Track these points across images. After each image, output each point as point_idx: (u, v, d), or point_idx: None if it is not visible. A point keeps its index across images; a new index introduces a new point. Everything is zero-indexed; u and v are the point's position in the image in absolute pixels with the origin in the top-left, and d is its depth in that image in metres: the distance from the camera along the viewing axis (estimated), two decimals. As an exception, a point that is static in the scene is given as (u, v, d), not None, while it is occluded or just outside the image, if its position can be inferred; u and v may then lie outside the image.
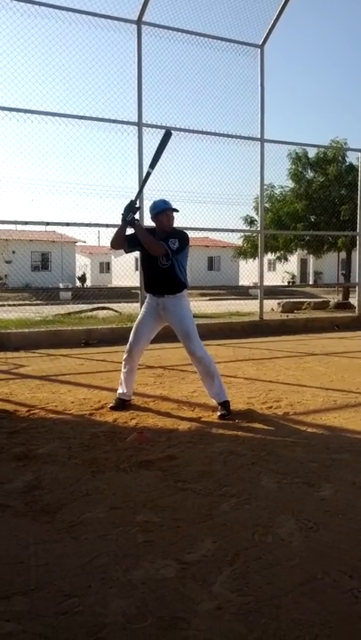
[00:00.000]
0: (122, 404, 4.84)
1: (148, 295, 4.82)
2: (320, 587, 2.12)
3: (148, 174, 4.70)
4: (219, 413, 4.60)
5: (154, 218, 4.69)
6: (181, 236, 4.66)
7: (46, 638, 1.83)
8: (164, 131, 4.81)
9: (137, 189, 9.44)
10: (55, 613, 1.95)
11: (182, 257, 4.67)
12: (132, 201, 4.57)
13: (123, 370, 4.88)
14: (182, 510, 2.81)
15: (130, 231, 4.63)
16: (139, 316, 4.90)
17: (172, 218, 4.70)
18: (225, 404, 4.65)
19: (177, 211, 4.71)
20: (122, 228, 4.62)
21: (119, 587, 2.12)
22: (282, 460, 3.57)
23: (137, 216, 4.58)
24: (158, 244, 4.53)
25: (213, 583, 2.14)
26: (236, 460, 3.55)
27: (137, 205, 4.59)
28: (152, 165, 4.71)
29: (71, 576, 2.19)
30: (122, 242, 4.67)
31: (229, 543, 2.46)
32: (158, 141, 4.75)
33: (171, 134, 4.74)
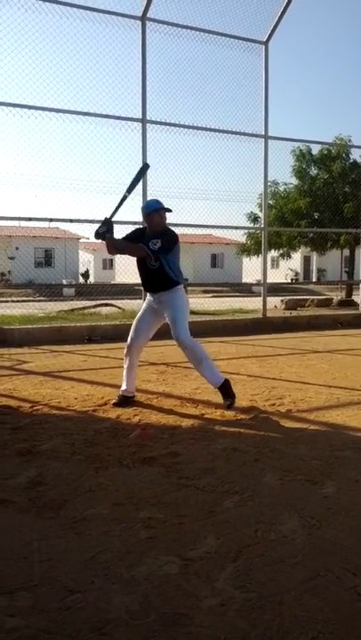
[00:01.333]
0: (125, 401, 4.85)
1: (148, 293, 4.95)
2: (323, 584, 2.12)
3: (125, 198, 4.82)
4: (226, 404, 4.72)
5: (146, 217, 4.76)
6: (166, 235, 4.69)
7: (50, 633, 1.83)
8: (140, 166, 4.97)
9: (141, 189, 9.48)
10: (58, 609, 1.96)
11: (171, 256, 4.72)
12: (106, 217, 4.71)
13: (124, 366, 4.93)
14: (185, 507, 2.81)
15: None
16: (138, 313, 4.99)
17: (165, 218, 4.77)
18: (224, 387, 4.76)
19: (170, 210, 4.77)
20: (106, 242, 4.73)
21: (122, 583, 2.13)
22: (285, 457, 3.57)
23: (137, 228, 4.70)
24: (137, 248, 4.64)
25: (216, 580, 2.14)
26: (239, 457, 3.55)
27: (110, 223, 4.69)
28: (129, 190, 4.85)
29: (74, 572, 2.20)
30: (114, 250, 4.78)
31: (232, 540, 2.46)
32: (138, 173, 4.92)
33: (148, 167, 4.99)
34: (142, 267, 4.78)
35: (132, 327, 4.92)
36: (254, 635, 1.83)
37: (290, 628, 1.86)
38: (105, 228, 4.66)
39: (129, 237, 4.81)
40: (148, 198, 9.48)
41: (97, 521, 2.65)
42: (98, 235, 4.69)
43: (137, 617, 1.92)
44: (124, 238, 4.81)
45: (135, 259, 4.80)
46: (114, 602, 2.00)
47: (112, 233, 4.71)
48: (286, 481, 3.16)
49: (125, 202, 4.81)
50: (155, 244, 4.56)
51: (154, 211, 4.70)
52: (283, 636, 1.82)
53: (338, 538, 2.49)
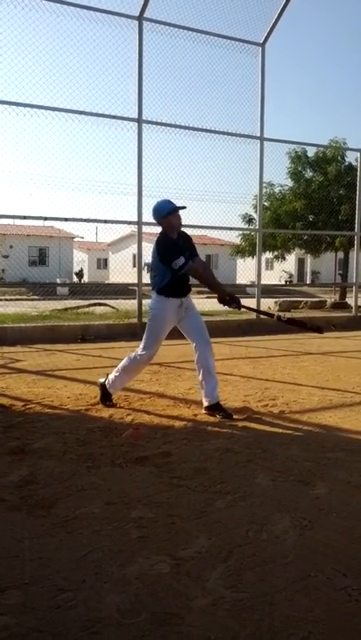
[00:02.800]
0: (107, 394, 4.79)
1: (168, 299, 4.56)
2: (314, 584, 2.13)
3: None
4: (218, 414, 4.56)
5: (162, 220, 4.52)
6: (188, 237, 4.67)
7: (40, 632, 1.83)
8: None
9: (136, 189, 9.47)
10: (49, 607, 1.96)
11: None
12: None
13: (129, 370, 4.75)
14: (177, 507, 2.81)
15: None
16: (158, 323, 4.60)
17: (180, 217, 4.61)
18: (216, 407, 4.61)
19: (184, 207, 4.61)
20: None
21: (113, 582, 2.12)
22: (277, 458, 3.57)
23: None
24: (210, 271, 4.72)
25: (207, 579, 2.14)
26: (231, 458, 3.56)
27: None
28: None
29: (65, 570, 2.20)
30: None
31: (224, 540, 2.46)
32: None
33: None
34: (171, 272, 4.47)
35: (155, 337, 4.60)
36: (245, 635, 1.83)
37: (280, 628, 1.86)
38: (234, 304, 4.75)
39: (179, 250, 4.46)
40: (144, 199, 9.53)
41: (88, 520, 2.65)
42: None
43: (128, 616, 1.91)
44: (184, 256, 4.45)
45: (151, 263, 4.69)
46: (105, 601, 2.00)
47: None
48: (278, 482, 3.17)
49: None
50: (194, 252, 4.57)
51: (170, 212, 4.47)
52: (273, 636, 1.82)
53: (329, 539, 2.50)
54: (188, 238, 4.66)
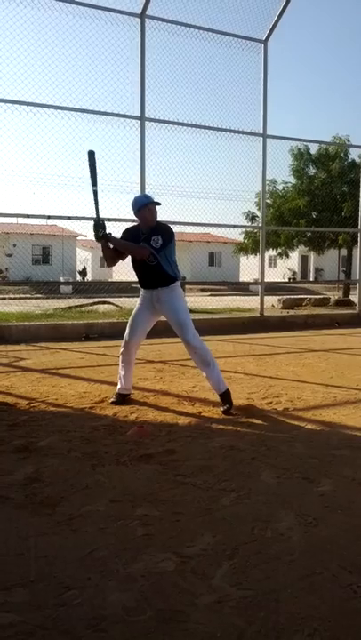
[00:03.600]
0: (122, 399, 4.85)
1: (141, 290, 4.85)
2: (319, 581, 2.13)
3: (96, 192, 4.73)
4: (222, 409, 4.60)
5: (137, 214, 4.67)
6: (165, 230, 4.65)
7: (46, 629, 1.83)
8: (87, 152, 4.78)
9: (139, 186, 9.47)
10: (55, 605, 1.96)
11: (169, 251, 4.65)
12: (95, 219, 4.64)
13: (120, 364, 4.90)
14: (182, 504, 2.81)
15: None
16: (134, 310, 4.91)
17: (155, 212, 4.68)
18: (225, 395, 4.66)
19: (159, 204, 4.69)
20: (103, 248, 4.70)
21: (119, 579, 2.13)
22: (282, 455, 3.57)
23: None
24: (140, 249, 4.57)
25: (213, 577, 2.14)
26: (235, 455, 3.56)
27: (102, 222, 4.63)
28: (94, 184, 4.73)
29: (71, 568, 2.20)
30: (114, 258, 4.74)
31: (229, 537, 2.46)
32: (89, 162, 4.74)
33: (94, 153, 4.74)
34: (140, 264, 4.70)
35: (129, 325, 4.86)
36: (250, 632, 1.83)
37: (286, 625, 1.86)
38: (102, 231, 4.58)
39: (125, 239, 4.72)
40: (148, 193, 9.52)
41: (93, 518, 2.65)
42: (99, 237, 4.60)
43: (133, 614, 1.92)
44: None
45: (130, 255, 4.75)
46: (110, 598, 2.00)
47: (110, 233, 4.64)
48: (283, 479, 3.17)
49: (98, 196, 4.72)
50: (156, 242, 4.52)
51: (143, 206, 4.60)
52: (279, 634, 1.82)
53: (334, 536, 2.50)
54: (161, 229, 4.65)
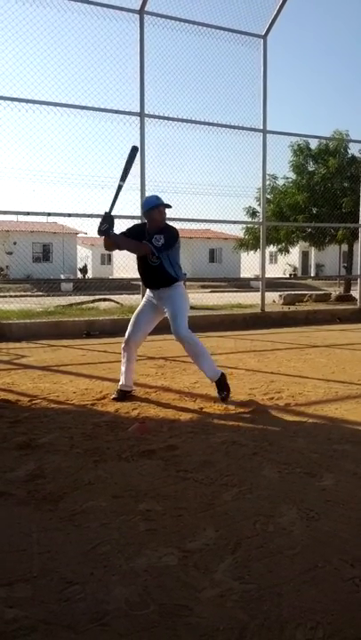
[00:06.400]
0: (124, 396, 4.85)
1: (146, 289, 4.97)
2: (321, 575, 2.13)
3: (120, 187, 4.70)
4: (220, 396, 4.74)
5: (146, 213, 4.75)
6: (168, 231, 4.66)
7: (49, 624, 1.84)
8: (131, 146, 4.82)
9: (139, 183, 9.46)
10: (58, 600, 1.97)
11: (172, 253, 4.71)
12: (106, 212, 4.59)
13: (122, 360, 4.92)
14: (184, 499, 2.82)
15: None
16: (138, 308, 4.99)
17: (165, 214, 4.73)
18: (220, 381, 4.78)
19: (169, 206, 4.74)
20: (105, 239, 4.67)
21: (121, 574, 2.13)
22: (283, 450, 3.58)
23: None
24: (140, 246, 4.59)
25: (215, 571, 2.15)
26: (237, 450, 3.56)
27: (111, 218, 4.58)
28: (123, 179, 4.71)
29: (73, 563, 2.21)
30: (112, 246, 4.73)
31: (231, 532, 2.47)
32: (126, 157, 4.74)
33: (137, 149, 4.79)
34: (143, 263, 4.76)
35: (131, 322, 4.91)
36: (253, 625, 1.84)
37: (288, 618, 1.87)
38: (107, 225, 4.54)
39: (129, 234, 4.75)
40: (147, 193, 9.48)
41: (96, 513, 2.66)
42: (101, 232, 4.58)
43: (136, 608, 1.92)
44: (123, 234, 4.74)
45: (134, 255, 4.79)
46: (113, 593, 2.01)
47: (113, 229, 4.61)
48: (285, 474, 3.17)
49: (121, 193, 4.71)
50: (158, 241, 4.54)
51: (154, 207, 4.66)
52: (281, 627, 1.83)
53: (336, 530, 2.50)
54: (166, 230, 4.66)
